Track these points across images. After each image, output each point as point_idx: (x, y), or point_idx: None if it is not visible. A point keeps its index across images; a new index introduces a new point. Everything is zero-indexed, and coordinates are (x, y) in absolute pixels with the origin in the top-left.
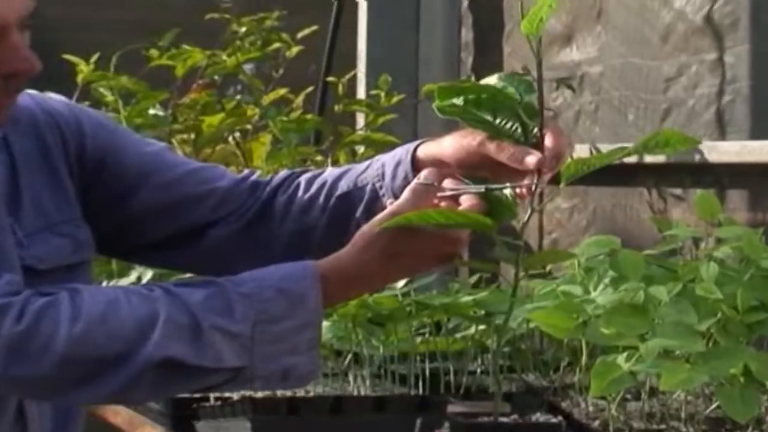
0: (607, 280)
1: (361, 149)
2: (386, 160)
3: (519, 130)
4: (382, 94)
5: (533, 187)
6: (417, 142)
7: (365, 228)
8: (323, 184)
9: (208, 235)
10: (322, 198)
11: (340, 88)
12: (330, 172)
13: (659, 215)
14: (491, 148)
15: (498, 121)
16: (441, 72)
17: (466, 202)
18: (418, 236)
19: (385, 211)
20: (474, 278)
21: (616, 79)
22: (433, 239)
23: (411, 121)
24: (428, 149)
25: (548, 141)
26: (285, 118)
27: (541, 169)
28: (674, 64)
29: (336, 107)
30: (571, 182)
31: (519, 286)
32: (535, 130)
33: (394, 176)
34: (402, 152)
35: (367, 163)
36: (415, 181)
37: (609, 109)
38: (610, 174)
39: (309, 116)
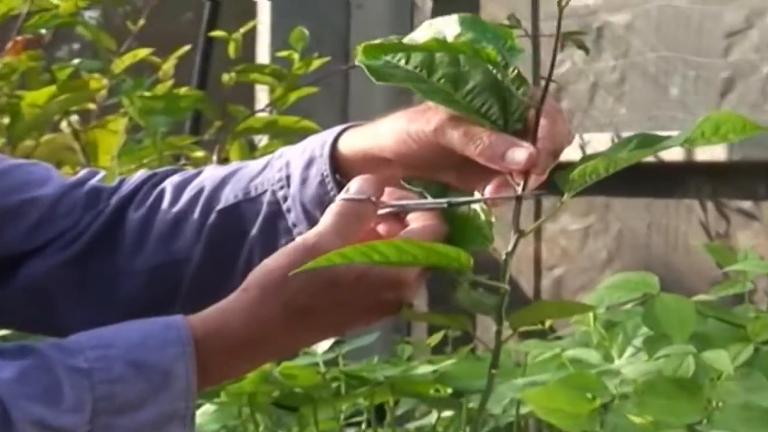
0: (638, 342)
1: (263, 140)
2: (292, 156)
3: (496, 108)
4: (296, 56)
5: (518, 197)
6: (338, 129)
7: (266, 266)
8: (198, 193)
9: (23, 269)
10: (196, 214)
11: (232, 47)
12: (209, 174)
13: (718, 241)
14: (454, 136)
15: (463, 95)
16: (384, 22)
17: (414, 222)
18: (342, 278)
19: (297, 243)
20: (435, 338)
21: (652, 33)
22: (365, 282)
23: (339, 98)
24: (356, 140)
25: (542, 127)
26: (147, 94)
27: (530, 170)
28: (740, 11)
29: (225, 77)
30: (584, 191)
31: (504, 350)
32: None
33: (304, 180)
34: (316, 144)
35: (264, 160)
36: (342, 195)
37: (641, 79)
38: (643, 179)
39: (184, 90)
